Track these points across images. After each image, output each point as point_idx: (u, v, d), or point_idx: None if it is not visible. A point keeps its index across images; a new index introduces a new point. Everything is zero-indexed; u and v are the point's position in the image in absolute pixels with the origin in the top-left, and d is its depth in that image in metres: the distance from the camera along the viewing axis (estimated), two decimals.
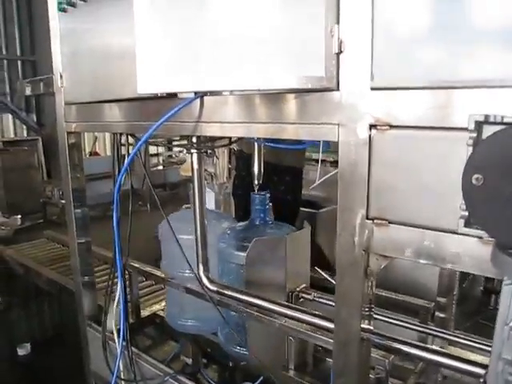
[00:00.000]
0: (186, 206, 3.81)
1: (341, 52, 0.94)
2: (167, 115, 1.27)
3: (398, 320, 1.58)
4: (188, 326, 2.12)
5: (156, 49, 1.16)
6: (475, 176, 0.63)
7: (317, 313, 1.41)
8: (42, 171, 7.16)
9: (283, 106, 1.06)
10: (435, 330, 1.60)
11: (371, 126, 0.93)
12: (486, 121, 0.66)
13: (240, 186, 2.88)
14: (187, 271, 2.00)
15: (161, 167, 8.95)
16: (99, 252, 3.29)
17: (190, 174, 1.77)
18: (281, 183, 2.87)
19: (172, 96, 1.34)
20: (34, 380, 3.00)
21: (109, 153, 9.22)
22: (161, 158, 9.21)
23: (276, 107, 1.08)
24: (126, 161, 1.65)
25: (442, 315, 1.98)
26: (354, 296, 1.04)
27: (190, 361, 2.47)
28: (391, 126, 0.91)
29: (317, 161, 3.62)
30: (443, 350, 1.22)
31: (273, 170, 2.80)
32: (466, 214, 0.70)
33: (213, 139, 1.62)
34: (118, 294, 1.82)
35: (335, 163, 3.63)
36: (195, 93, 1.26)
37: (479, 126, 0.67)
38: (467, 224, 0.71)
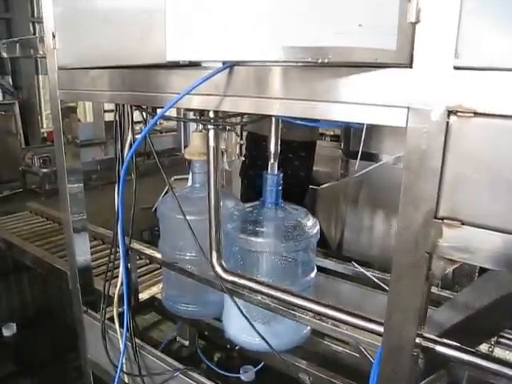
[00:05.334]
0: (175, 177, 3.64)
1: (418, 22, 0.79)
2: (191, 87, 1.10)
3: None
4: (188, 311, 2.00)
5: (185, 10, 0.98)
6: None
7: (342, 308, 1.30)
8: (20, 137, 6.79)
9: (339, 81, 0.91)
10: None
11: (450, 112, 0.79)
12: None
13: (251, 165, 2.75)
14: (188, 254, 1.87)
15: None
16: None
17: (197, 158, 1.65)
18: (295, 159, 2.74)
19: (193, 65, 1.18)
20: (20, 362, 2.86)
21: (89, 119, 8.84)
22: (143, 126, 8.91)
23: (329, 83, 0.92)
24: (135, 139, 1.51)
25: None
26: (410, 300, 0.93)
27: (186, 343, 2.39)
28: (476, 114, 0.77)
29: (321, 134, 3.54)
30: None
31: (287, 147, 2.66)
32: None
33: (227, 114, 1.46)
34: (120, 279, 1.68)
35: (335, 137, 3.48)
36: (223, 62, 1.09)
37: None
38: None
